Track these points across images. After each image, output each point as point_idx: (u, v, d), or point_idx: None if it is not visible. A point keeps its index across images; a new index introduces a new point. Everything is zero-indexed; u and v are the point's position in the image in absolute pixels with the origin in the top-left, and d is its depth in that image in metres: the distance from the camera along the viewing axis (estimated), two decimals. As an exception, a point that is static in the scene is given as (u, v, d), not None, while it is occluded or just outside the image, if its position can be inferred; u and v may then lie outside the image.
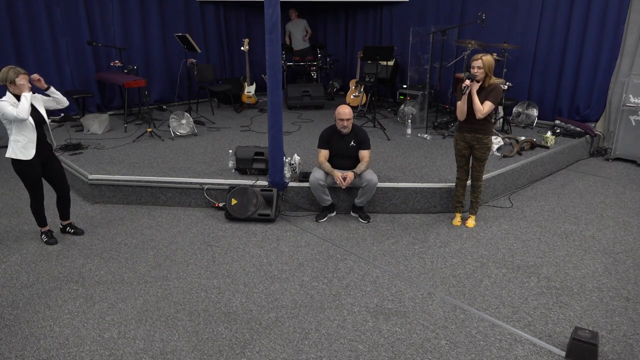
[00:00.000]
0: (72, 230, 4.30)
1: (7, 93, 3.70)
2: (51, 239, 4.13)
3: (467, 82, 3.99)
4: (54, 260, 3.85)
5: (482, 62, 3.96)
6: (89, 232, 4.35)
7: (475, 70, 3.99)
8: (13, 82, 3.65)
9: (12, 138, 3.76)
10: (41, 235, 4.16)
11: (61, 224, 4.32)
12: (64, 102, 4.06)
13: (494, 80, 4.10)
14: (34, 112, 3.81)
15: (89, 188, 4.96)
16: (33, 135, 3.78)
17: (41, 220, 4.12)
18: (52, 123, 7.21)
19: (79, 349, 2.84)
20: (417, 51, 8.09)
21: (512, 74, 7.27)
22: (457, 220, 4.53)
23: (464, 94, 4.02)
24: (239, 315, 3.17)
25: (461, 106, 4.09)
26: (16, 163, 3.81)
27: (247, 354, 2.82)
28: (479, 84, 4.05)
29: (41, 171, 3.96)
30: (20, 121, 3.67)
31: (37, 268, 3.74)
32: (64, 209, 4.25)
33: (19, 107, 3.61)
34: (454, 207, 4.64)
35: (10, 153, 3.78)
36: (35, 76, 3.85)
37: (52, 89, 3.94)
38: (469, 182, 4.52)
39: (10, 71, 3.66)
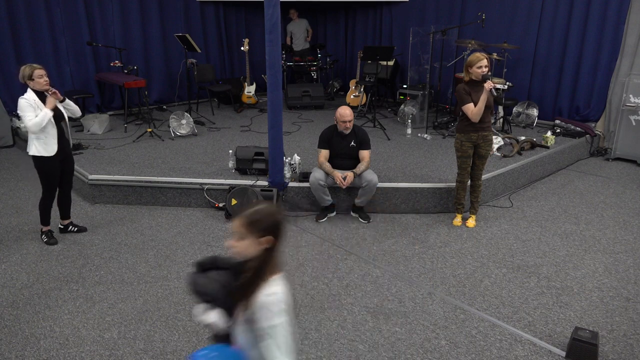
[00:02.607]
0: (75, 229, 4.31)
1: (28, 90, 3.76)
2: (51, 239, 4.13)
3: (490, 83, 4.02)
4: (54, 260, 3.85)
5: (488, 60, 4.05)
6: (89, 232, 4.34)
7: (484, 68, 4.04)
8: (31, 78, 3.73)
9: (33, 135, 3.80)
10: (41, 236, 4.16)
11: (62, 224, 4.32)
12: (78, 112, 4.15)
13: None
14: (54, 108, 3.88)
15: (89, 188, 4.96)
16: (54, 131, 3.85)
17: (46, 219, 4.13)
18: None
19: (79, 349, 2.84)
20: (417, 51, 8.09)
21: (512, 74, 7.26)
22: (457, 220, 4.53)
23: (494, 95, 4.06)
24: (239, 315, 3.17)
25: (480, 107, 4.05)
26: (39, 160, 3.86)
27: (247, 354, 2.82)
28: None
29: (60, 168, 4.00)
30: (42, 128, 3.74)
31: (37, 268, 3.74)
32: (66, 207, 4.27)
33: (32, 122, 3.67)
34: (454, 208, 4.64)
35: (34, 151, 3.82)
36: (52, 89, 3.88)
37: (67, 100, 3.99)
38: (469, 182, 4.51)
39: (26, 68, 3.75)
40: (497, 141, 5.70)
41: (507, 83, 6.44)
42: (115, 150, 5.95)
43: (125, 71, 7.28)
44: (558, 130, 6.66)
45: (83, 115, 7.25)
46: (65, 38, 7.44)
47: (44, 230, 4.16)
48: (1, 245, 4.09)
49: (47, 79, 3.78)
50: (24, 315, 3.16)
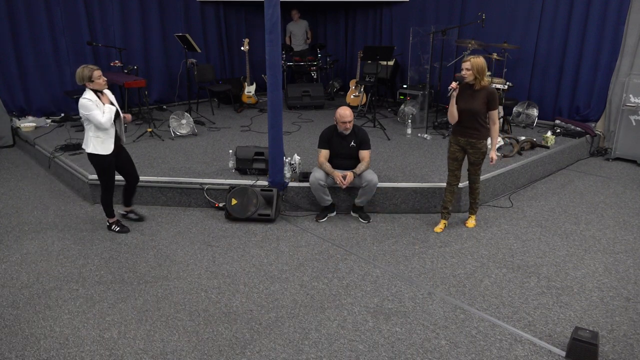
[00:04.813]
0: (136, 217, 4.53)
1: (87, 90, 3.87)
2: (124, 228, 4.34)
3: (454, 84, 3.99)
4: (54, 260, 3.85)
5: (470, 64, 3.91)
6: (89, 232, 4.35)
7: (464, 72, 3.97)
8: (91, 80, 3.83)
9: (91, 134, 3.94)
10: (112, 227, 4.32)
11: (124, 210, 4.51)
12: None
13: (486, 82, 3.99)
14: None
15: (89, 188, 4.96)
16: (112, 131, 4.01)
17: (110, 212, 4.30)
18: (52, 123, 7.22)
19: (79, 349, 2.84)
20: (417, 51, 8.09)
21: (512, 74, 7.26)
22: (439, 227, 4.38)
23: (450, 96, 4.02)
24: (239, 315, 3.17)
25: (451, 109, 4.07)
26: (95, 157, 4.00)
27: (247, 354, 2.82)
28: (472, 85, 4.00)
29: (115, 163, 4.15)
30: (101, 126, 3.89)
31: (37, 268, 3.74)
32: (129, 197, 4.48)
33: (105, 117, 3.86)
34: (440, 213, 4.49)
35: (92, 148, 3.97)
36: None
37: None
38: (462, 184, 4.47)
39: (84, 70, 3.84)
40: (497, 141, 5.68)
41: (508, 83, 6.46)
42: (115, 150, 5.95)
43: (125, 71, 7.28)
44: (558, 130, 6.66)
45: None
46: (65, 38, 7.44)
47: (112, 221, 4.33)
48: (1, 245, 4.09)
49: (104, 77, 3.93)
50: (24, 315, 3.16)
